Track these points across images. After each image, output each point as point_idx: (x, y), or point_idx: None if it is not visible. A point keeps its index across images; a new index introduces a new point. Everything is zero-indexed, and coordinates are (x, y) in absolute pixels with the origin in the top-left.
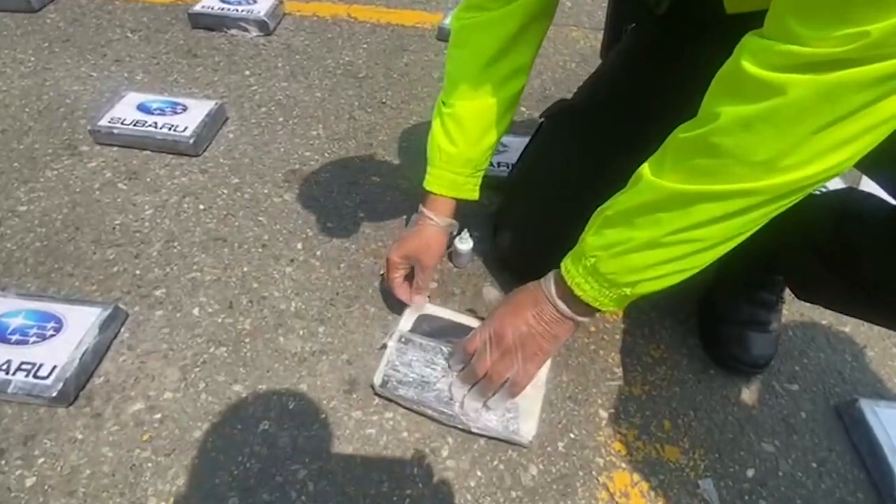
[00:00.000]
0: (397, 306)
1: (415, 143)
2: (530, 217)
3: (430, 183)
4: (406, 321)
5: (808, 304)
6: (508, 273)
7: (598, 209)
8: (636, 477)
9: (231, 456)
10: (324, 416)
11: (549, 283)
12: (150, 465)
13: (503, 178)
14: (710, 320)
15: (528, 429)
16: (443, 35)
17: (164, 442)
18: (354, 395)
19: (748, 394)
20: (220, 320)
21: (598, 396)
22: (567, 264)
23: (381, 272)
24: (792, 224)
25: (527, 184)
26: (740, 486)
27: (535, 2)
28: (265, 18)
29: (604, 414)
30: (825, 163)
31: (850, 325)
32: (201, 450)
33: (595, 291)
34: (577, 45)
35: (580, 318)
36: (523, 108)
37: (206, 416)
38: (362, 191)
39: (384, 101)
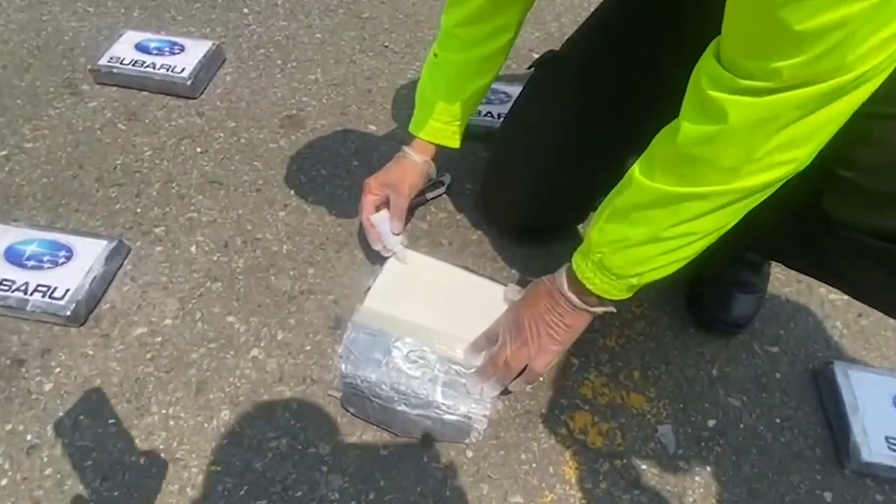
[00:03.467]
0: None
1: (416, 91)
2: (514, 170)
3: (414, 126)
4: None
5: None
6: (495, 228)
7: (599, 208)
8: (597, 418)
9: (223, 376)
10: (309, 348)
11: (561, 277)
12: (152, 379)
13: (495, 129)
14: (695, 279)
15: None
16: None
17: (164, 361)
18: (338, 332)
19: (725, 353)
20: (215, 258)
21: (571, 345)
22: (577, 259)
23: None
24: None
25: (512, 135)
26: (698, 434)
27: None
28: None
29: (575, 361)
30: (782, 167)
31: None
32: (197, 369)
33: (604, 283)
34: None
35: (593, 309)
36: (535, 54)
37: (202, 341)
38: (358, 139)
39: (387, 44)
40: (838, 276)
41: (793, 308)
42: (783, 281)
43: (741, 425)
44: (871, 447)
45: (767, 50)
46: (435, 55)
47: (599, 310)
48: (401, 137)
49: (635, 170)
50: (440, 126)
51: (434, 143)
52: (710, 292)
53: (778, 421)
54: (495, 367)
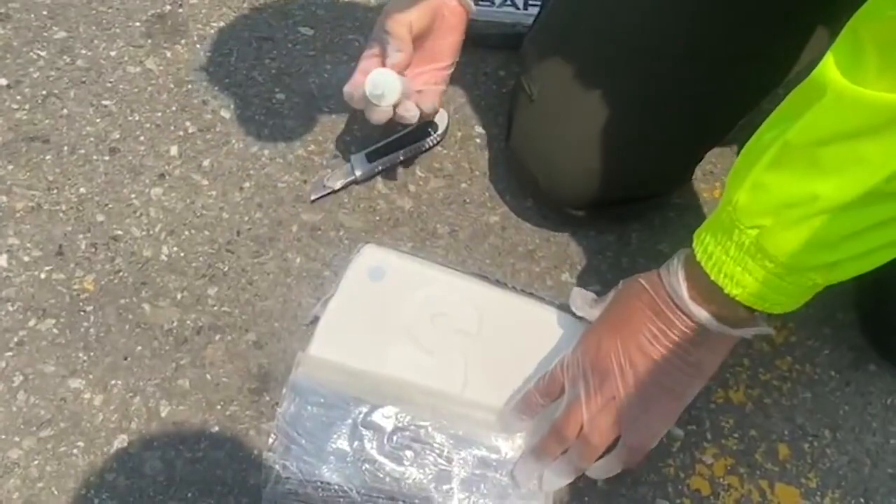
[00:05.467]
0: (341, 253)
1: None
2: (569, 99)
3: None
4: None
5: None
6: (532, 198)
7: (748, 148)
8: None
9: (70, 489)
10: (217, 430)
11: (674, 275)
12: None
13: (526, 33)
14: (874, 280)
15: None
16: None
17: None
18: (266, 398)
19: None
20: (43, 275)
21: None
22: (705, 242)
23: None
24: None
25: (561, 38)
26: None
27: None
28: None
29: (679, 432)
30: None
31: None
32: (22, 478)
33: (763, 285)
34: None
35: (737, 332)
36: None
37: (26, 427)
38: (282, 53)
39: None
40: None
41: None
42: None
43: None
44: None
45: None
46: None
47: (749, 331)
48: (357, 45)
49: (828, 68)
50: None
51: None
52: None
53: None
54: (561, 440)
